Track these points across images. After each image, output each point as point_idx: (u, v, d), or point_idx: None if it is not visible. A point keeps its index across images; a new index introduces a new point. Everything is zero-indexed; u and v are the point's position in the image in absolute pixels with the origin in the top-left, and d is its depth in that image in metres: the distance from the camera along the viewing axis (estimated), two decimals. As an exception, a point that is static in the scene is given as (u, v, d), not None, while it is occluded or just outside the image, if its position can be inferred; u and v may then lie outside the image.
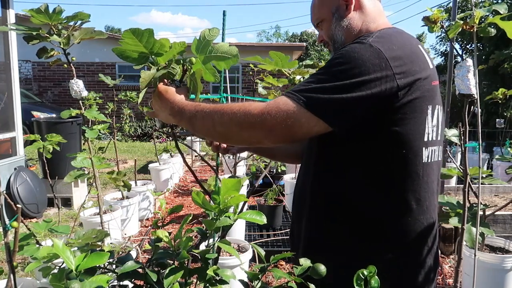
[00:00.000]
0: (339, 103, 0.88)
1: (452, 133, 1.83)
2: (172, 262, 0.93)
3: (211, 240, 0.93)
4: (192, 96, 1.12)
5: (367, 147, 0.96)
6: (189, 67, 1.07)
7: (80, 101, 1.94)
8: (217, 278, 0.86)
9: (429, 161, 1.00)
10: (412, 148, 0.96)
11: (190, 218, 0.97)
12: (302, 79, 2.01)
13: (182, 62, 1.08)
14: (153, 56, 1.04)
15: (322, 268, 0.83)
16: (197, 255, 0.90)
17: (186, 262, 0.90)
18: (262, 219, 0.84)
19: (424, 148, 0.98)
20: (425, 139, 0.97)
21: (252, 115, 0.90)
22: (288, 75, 1.71)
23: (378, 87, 0.88)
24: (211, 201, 0.85)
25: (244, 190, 4.06)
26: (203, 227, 0.90)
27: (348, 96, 0.87)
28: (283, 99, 0.91)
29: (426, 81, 0.95)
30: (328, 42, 1.12)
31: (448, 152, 2.62)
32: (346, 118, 0.90)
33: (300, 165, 1.24)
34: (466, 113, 1.45)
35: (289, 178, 4.40)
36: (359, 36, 1.00)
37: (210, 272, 0.83)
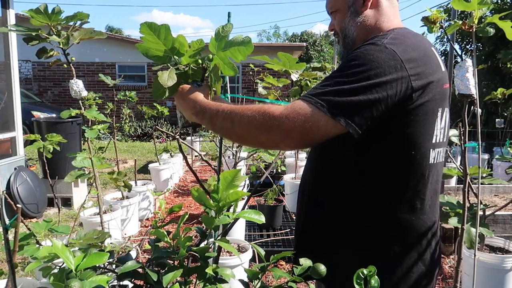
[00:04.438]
0: (356, 105, 0.88)
1: (452, 133, 1.83)
2: (172, 262, 0.93)
3: (211, 240, 0.93)
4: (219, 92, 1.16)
5: (376, 147, 0.96)
6: (208, 65, 1.10)
7: (80, 101, 1.94)
8: (217, 276, 0.86)
9: (435, 162, 1.01)
10: (420, 149, 0.96)
11: (187, 217, 0.97)
12: (308, 82, 2.01)
13: (201, 61, 1.10)
14: (175, 56, 1.08)
15: (322, 268, 0.84)
16: (197, 254, 0.90)
17: (186, 261, 0.90)
18: (261, 219, 0.85)
19: (431, 150, 0.98)
20: (433, 141, 0.98)
21: (270, 118, 0.91)
22: (291, 73, 1.70)
23: (394, 89, 0.89)
24: (211, 200, 0.85)
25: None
26: (203, 226, 0.90)
27: (364, 98, 0.88)
28: (300, 103, 0.91)
29: (438, 83, 0.96)
30: (339, 33, 1.12)
31: (448, 152, 2.62)
32: (362, 120, 0.90)
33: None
34: (466, 113, 1.45)
35: (289, 178, 4.40)
36: (372, 37, 1.00)
37: (209, 270, 0.83)
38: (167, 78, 1.02)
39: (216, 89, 1.14)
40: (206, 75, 1.13)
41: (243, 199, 3.08)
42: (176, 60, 1.09)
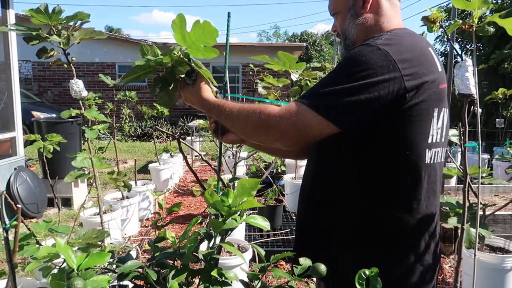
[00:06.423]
0: (348, 105, 0.89)
1: (452, 133, 1.83)
2: (172, 262, 0.93)
3: (212, 242, 0.93)
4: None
5: (372, 147, 0.97)
6: (192, 60, 1.11)
7: (80, 101, 1.94)
8: (221, 279, 0.86)
9: (431, 162, 1.00)
10: (415, 149, 0.96)
11: (199, 221, 0.98)
12: (308, 82, 2.02)
13: (179, 54, 1.11)
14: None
15: (322, 267, 0.84)
16: (197, 255, 0.90)
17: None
18: (266, 225, 0.86)
19: (427, 150, 0.98)
20: (429, 141, 0.98)
21: (266, 118, 0.95)
22: (291, 73, 1.69)
23: (386, 89, 0.89)
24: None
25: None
26: (203, 226, 0.90)
27: (356, 99, 0.89)
28: (294, 104, 0.94)
29: (433, 84, 0.96)
30: (341, 35, 1.13)
31: (448, 152, 2.62)
32: (355, 120, 0.91)
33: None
34: (466, 113, 1.45)
35: (289, 178, 4.40)
36: (368, 37, 1.00)
37: (214, 273, 0.83)
38: (168, 100, 1.13)
39: (211, 79, 1.15)
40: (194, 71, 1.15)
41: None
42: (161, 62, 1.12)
